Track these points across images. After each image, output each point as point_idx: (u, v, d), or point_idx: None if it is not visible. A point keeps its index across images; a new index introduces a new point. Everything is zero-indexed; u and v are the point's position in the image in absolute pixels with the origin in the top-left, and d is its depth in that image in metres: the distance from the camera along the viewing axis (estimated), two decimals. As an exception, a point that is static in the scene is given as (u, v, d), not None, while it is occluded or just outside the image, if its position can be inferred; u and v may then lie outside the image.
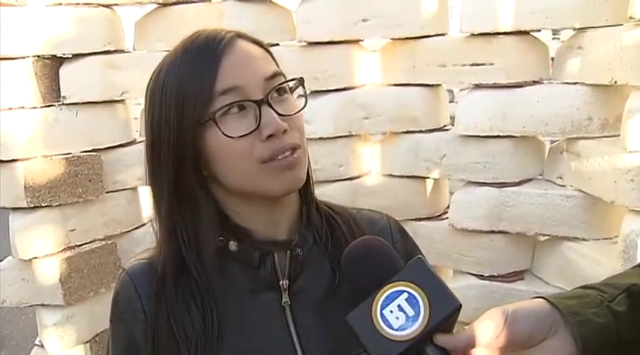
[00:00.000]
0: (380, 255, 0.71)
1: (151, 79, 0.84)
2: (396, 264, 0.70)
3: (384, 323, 0.65)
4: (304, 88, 0.84)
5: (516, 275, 2.11)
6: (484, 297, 2.08)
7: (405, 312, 0.65)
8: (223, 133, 0.76)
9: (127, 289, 0.85)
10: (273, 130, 0.76)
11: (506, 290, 2.07)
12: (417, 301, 0.65)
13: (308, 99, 0.85)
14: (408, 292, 0.65)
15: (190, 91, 0.77)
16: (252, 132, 0.77)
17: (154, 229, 0.87)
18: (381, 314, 0.65)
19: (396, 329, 0.65)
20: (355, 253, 0.72)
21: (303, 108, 0.83)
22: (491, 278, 2.11)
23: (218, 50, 0.78)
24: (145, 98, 0.84)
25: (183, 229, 0.82)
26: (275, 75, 0.80)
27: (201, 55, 0.78)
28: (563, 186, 2.00)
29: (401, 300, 0.65)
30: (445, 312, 0.65)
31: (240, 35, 0.82)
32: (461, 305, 0.66)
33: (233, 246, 0.82)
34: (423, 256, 0.74)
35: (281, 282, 0.83)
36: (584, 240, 1.96)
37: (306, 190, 0.89)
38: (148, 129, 0.83)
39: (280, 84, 0.80)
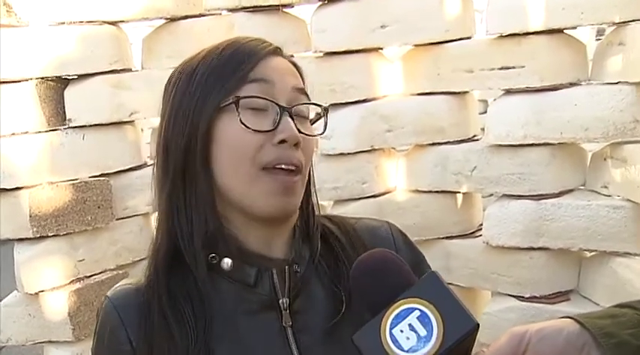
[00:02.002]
0: (390, 269, 0.67)
1: (181, 65, 0.84)
2: (407, 279, 0.66)
3: (394, 344, 0.61)
4: (327, 116, 0.85)
5: (561, 296, 1.97)
6: (525, 321, 1.96)
7: (416, 332, 0.61)
8: (241, 121, 0.76)
9: (110, 318, 0.80)
10: (288, 136, 0.77)
11: (551, 312, 1.92)
12: (430, 320, 0.61)
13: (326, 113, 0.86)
14: (419, 310, 0.62)
15: (225, 72, 0.78)
16: (268, 131, 0.77)
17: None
18: (391, 333, 0.62)
19: (407, 351, 0.61)
20: (364, 267, 0.68)
21: (322, 133, 0.84)
22: (532, 299, 1.98)
23: (262, 50, 0.81)
24: (169, 83, 0.84)
25: (184, 209, 0.80)
26: (304, 91, 0.82)
27: (244, 50, 0.80)
28: (608, 196, 1.88)
29: (412, 319, 0.62)
30: (460, 333, 0.60)
31: (280, 50, 0.85)
32: (478, 325, 0.61)
33: (226, 264, 0.79)
34: (430, 268, 0.71)
35: (281, 301, 0.80)
36: (636, 255, 1.82)
37: (304, 206, 0.86)
38: (167, 111, 0.82)
39: (307, 103, 0.82)
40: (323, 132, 0.84)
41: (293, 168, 0.78)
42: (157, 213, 0.85)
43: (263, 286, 0.80)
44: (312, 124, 0.84)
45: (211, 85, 0.78)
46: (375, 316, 0.63)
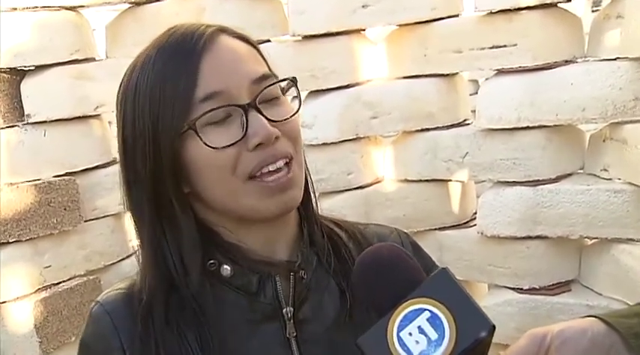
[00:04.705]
0: (397, 265, 0.64)
1: (121, 83, 0.79)
2: (416, 276, 0.63)
3: (402, 348, 0.59)
4: (297, 88, 0.79)
5: (562, 287, 1.95)
6: (525, 314, 1.92)
7: (426, 335, 0.59)
8: (205, 143, 0.72)
9: (101, 324, 0.76)
10: (262, 138, 0.71)
11: (551, 304, 1.91)
12: (441, 322, 0.59)
13: (308, 100, 0.85)
14: (430, 310, 0.59)
15: (167, 98, 0.73)
16: (238, 141, 0.72)
17: (137, 258, 0.81)
18: (398, 337, 0.59)
19: None
20: (368, 263, 0.66)
21: (296, 112, 0.78)
22: (532, 291, 1.95)
23: (197, 49, 0.73)
24: (116, 106, 0.79)
25: (169, 251, 0.77)
26: (264, 77, 0.75)
27: (178, 55, 0.73)
28: (609, 179, 1.85)
29: (421, 321, 0.59)
30: (474, 336, 0.58)
31: (222, 30, 0.77)
32: (494, 327, 0.59)
33: (226, 270, 0.76)
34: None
35: (284, 310, 0.77)
36: (638, 241, 1.78)
37: (305, 204, 0.82)
38: (121, 142, 0.78)
39: (269, 85, 0.75)
40: (298, 109, 0.78)
41: (281, 164, 0.73)
42: (140, 250, 0.80)
43: (266, 294, 0.77)
44: (284, 94, 0.78)
45: (158, 110, 0.73)
46: (380, 317, 0.61)
